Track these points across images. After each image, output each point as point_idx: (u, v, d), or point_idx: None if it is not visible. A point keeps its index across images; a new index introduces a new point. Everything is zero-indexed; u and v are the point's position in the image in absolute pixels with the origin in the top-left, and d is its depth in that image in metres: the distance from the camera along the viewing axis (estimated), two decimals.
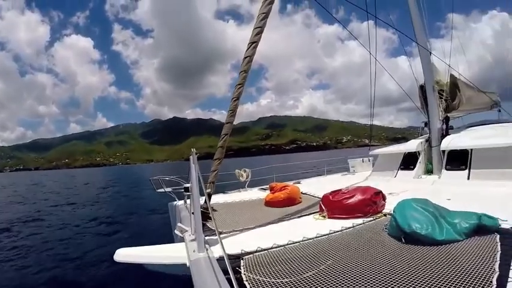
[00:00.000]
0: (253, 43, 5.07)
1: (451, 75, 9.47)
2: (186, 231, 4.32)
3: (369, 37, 10.71)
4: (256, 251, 3.70)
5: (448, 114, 9.40)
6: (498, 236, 3.54)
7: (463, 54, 11.79)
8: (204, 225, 3.96)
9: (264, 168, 11.75)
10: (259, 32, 5.10)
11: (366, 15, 9.24)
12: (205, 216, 4.31)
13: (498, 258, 2.94)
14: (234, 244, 3.97)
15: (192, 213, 3.83)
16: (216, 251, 3.54)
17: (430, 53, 9.19)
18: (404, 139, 11.97)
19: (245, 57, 5.07)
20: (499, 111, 10.97)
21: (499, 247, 3.22)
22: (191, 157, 3.72)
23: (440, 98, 9.28)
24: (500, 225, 3.79)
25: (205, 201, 4.22)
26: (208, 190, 4.90)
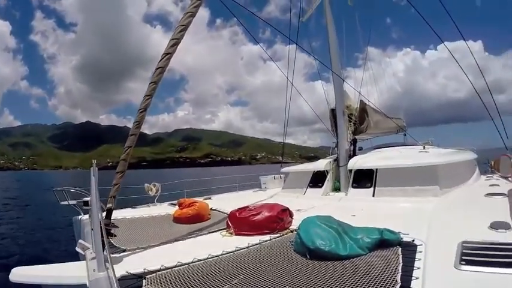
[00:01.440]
0: (168, 54, 4.94)
1: (361, 101, 10.08)
2: (88, 248, 4.06)
3: (288, 61, 11.35)
4: (159, 270, 3.56)
5: (356, 137, 10.02)
6: (400, 249, 3.72)
7: (376, 83, 13.20)
8: (108, 242, 3.77)
9: (176, 183, 11.46)
10: (175, 43, 4.98)
11: (289, 39, 9.91)
12: (108, 232, 4.11)
13: (400, 270, 3.08)
14: (138, 262, 3.83)
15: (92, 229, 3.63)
16: (118, 270, 3.32)
17: (343, 80, 9.71)
18: (317, 158, 12.56)
19: (157, 68, 4.93)
20: (405, 135, 11.89)
21: (400, 259, 3.38)
22: (91, 169, 3.50)
23: (350, 121, 9.88)
24: (402, 238, 4.00)
25: (106, 217, 4.08)
26: (109, 205, 4.67)
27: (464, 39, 9.31)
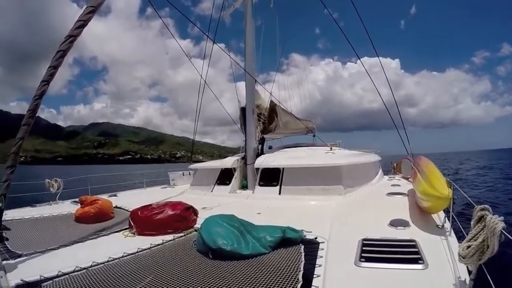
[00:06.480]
0: (71, 37, 4.28)
1: (271, 102, 10.05)
2: None
3: (204, 57, 11.02)
4: (56, 276, 3.11)
5: (265, 136, 9.97)
6: (302, 246, 3.63)
7: (297, 88, 13.78)
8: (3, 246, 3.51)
9: (80, 179, 10.51)
10: (81, 25, 4.34)
11: (207, 36, 9.66)
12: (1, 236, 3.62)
13: (302, 268, 2.98)
14: (34, 268, 3.32)
15: None
16: (12, 278, 3.03)
17: (256, 80, 9.60)
18: None
19: (58, 51, 4.23)
20: (314, 136, 12.13)
21: (302, 257, 3.28)
22: None
23: (259, 120, 9.79)
24: (305, 236, 3.91)
25: None
26: None
27: (378, 56, 9.60)
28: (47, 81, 4.21)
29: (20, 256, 3.83)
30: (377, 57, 9.71)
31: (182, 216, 4.83)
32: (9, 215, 5.86)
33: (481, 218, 2.25)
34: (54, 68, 4.23)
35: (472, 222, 2.33)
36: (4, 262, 3.39)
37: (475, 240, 2.22)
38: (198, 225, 4.80)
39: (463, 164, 54.19)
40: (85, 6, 4.56)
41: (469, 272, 2.41)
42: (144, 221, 4.75)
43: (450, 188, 3.96)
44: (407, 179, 8.62)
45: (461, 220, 4.40)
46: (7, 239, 4.04)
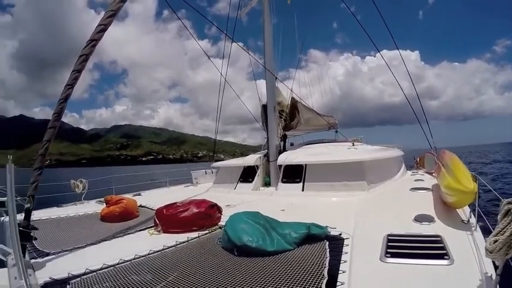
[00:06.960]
0: (93, 41, 4.32)
1: (292, 98, 10.03)
2: (10, 253, 3.53)
3: (223, 55, 11.22)
4: (84, 274, 3.17)
5: (287, 133, 9.94)
6: (327, 242, 3.60)
7: (317, 84, 13.68)
8: (32, 245, 3.51)
9: (105, 179, 10.64)
10: (102, 30, 4.38)
11: (225, 34, 9.88)
12: (28, 235, 3.61)
13: (327, 264, 2.97)
14: (62, 266, 3.39)
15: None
16: (41, 276, 3.07)
17: (276, 77, 9.59)
18: None
19: (81, 55, 4.28)
20: (336, 132, 12.00)
21: (327, 253, 3.27)
22: (7, 165, 3.07)
23: (280, 117, 9.76)
24: (329, 232, 3.89)
25: (25, 218, 3.62)
26: (28, 205, 4.08)
27: (398, 49, 9.51)
28: (71, 85, 4.27)
29: (48, 255, 3.92)
30: (397, 50, 9.58)
31: (207, 214, 4.86)
32: (36, 215, 5.93)
33: (508, 212, 2.20)
34: (77, 71, 4.29)
35: (498, 216, 2.28)
36: (33, 261, 3.48)
37: (502, 234, 2.17)
38: (222, 223, 4.81)
39: (485, 158, 52.83)
40: (104, 10, 4.63)
41: (496, 267, 2.36)
42: (169, 219, 4.79)
43: (475, 182, 3.86)
44: (430, 173, 8.46)
45: (487, 215, 4.31)
46: (35, 238, 4.13)
